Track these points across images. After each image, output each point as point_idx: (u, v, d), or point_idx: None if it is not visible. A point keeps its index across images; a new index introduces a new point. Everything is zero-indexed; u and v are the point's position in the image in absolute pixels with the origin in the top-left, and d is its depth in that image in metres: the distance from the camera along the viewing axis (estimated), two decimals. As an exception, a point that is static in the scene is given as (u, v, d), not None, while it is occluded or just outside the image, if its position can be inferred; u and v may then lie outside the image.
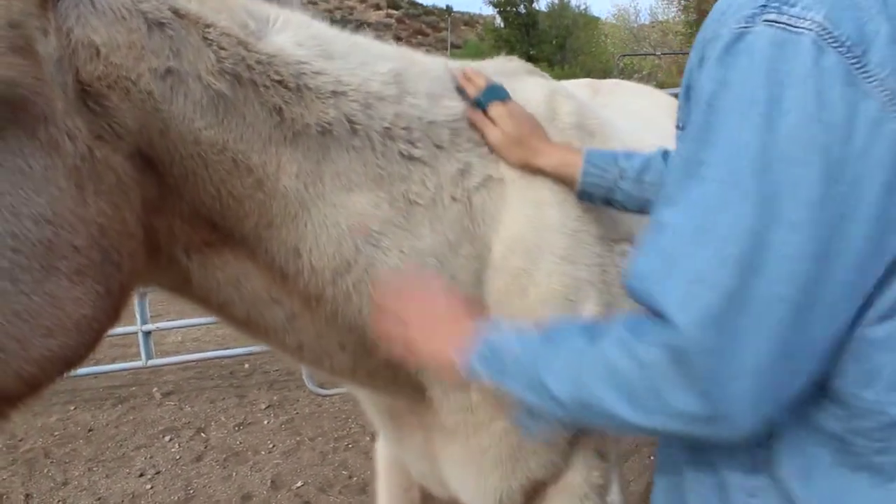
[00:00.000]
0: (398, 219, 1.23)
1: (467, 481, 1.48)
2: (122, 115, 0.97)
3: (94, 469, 3.95)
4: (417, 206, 1.25)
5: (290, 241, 1.15)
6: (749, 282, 0.73)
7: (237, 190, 1.09)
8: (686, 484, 0.95)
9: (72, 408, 4.91)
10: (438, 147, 1.30)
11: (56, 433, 4.47)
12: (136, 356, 5.65)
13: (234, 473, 3.82)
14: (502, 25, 41.50)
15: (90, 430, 4.50)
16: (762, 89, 0.72)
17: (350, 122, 1.18)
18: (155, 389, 5.19)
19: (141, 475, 3.85)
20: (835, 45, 0.70)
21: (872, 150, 0.71)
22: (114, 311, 0.99)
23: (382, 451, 1.96)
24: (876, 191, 0.71)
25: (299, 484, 3.62)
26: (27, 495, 3.67)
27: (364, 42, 1.33)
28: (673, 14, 38.42)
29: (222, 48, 1.06)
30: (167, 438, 4.31)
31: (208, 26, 1.06)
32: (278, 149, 1.12)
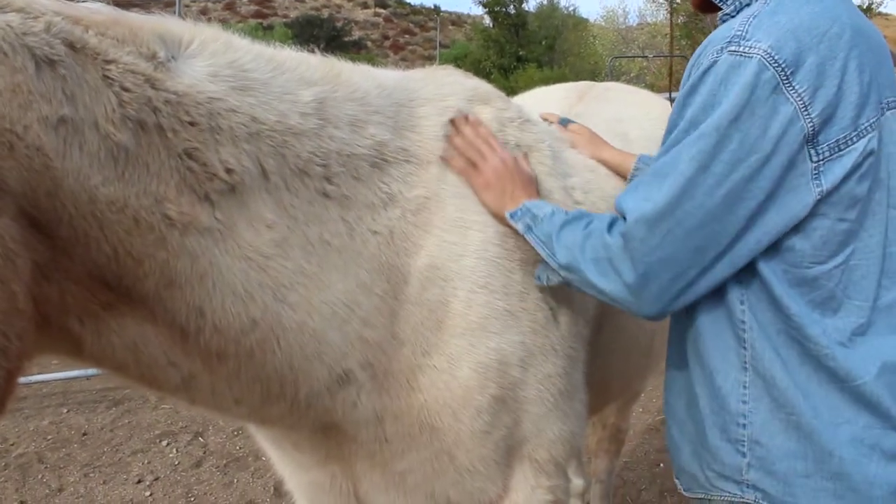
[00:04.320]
0: (311, 267, 1.15)
1: None
2: (4, 175, 0.80)
3: (91, 475, 3.85)
4: (331, 248, 1.18)
5: (193, 301, 1.04)
6: (676, 205, 1.12)
7: (137, 249, 0.95)
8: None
9: (64, 410, 4.80)
10: (357, 179, 1.23)
11: (49, 437, 4.35)
12: (130, 358, 5.53)
13: (235, 480, 3.74)
14: (491, 26, 41.46)
15: (84, 434, 4.39)
16: (714, 91, 1.10)
17: (262, 167, 1.10)
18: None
19: (139, 481, 3.76)
20: (773, 65, 1.06)
21: (784, 137, 1.07)
22: (0, 404, 0.85)
23: None
24: (779, 162, 1.08)
25: (303, 491, 3.55)
26: (21, 502, 3.57)
27: (289, 61, 1.23)
28: (661, 16, 38.64)
29: (125, 89, 0.92)
30: (164, 443, 4.22)
31: (109, 62, 0.92)
32: (186, 201, 0.99)
